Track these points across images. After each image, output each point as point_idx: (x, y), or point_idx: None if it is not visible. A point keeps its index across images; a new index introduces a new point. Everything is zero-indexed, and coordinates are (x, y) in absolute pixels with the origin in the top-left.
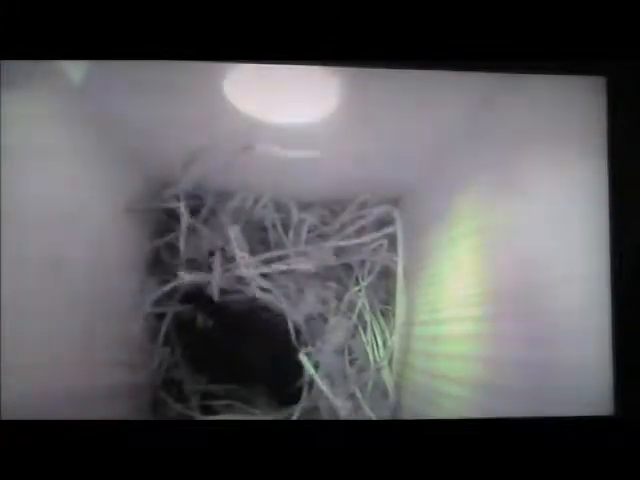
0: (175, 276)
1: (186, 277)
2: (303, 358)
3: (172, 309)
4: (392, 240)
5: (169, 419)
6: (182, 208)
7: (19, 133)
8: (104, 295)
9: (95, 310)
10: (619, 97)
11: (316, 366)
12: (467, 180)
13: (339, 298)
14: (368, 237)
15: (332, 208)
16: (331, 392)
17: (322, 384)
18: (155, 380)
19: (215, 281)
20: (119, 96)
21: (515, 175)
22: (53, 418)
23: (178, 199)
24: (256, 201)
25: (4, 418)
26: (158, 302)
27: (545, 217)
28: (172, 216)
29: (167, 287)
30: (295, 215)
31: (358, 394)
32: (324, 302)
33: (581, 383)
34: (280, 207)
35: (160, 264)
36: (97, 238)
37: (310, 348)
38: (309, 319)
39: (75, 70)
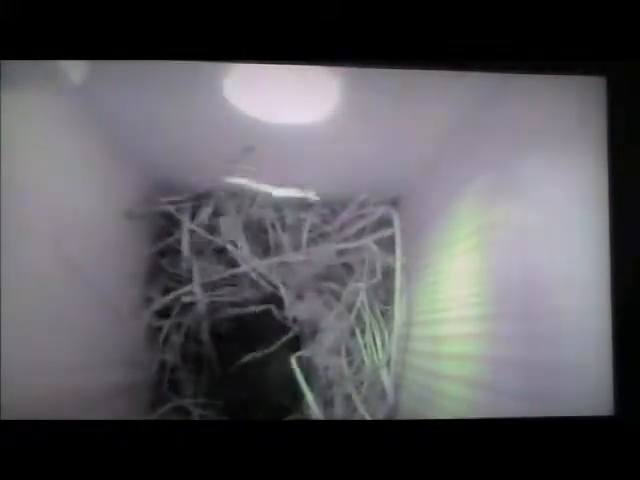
0: (176, 282)
1: (186, 298)
2: (293, 363)
3: (171, 319)
4: (391, 240)
5: (169, 419)
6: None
7: (19, 133)
8: (104, 296)
9: (95, 311)
10: (619, 97)
11: (312, 367)
12: (467, 180)
13: (338, 298)
14: (368, 237)
15: (333, 207)
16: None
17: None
18: (155, 380)
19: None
20: (119, 96)
21: (515, 175)
22: (53, 418)
23: (179, 201)
24: (256, 201)
25: (4, 418)
26: (159, 311)
27: (545, 217)
28: (172, 219)
29: (168, 298)
30: (295, 214)
31: (356, 394)
32: (323, 302)
33: (581, 383)
34: (279, 208)
35: (161, 268)
36: (97, 238)
37: (308, 350)
38: (308, 319)
39: (75, 70)
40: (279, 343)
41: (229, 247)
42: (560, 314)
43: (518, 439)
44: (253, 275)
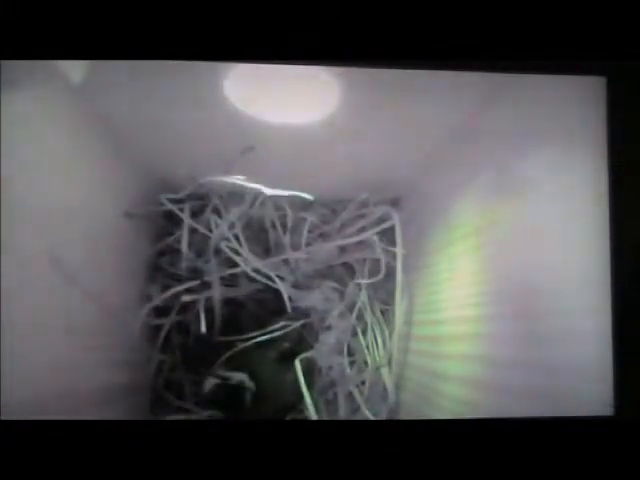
0: (176, 281)
1: (186, 298)
2: (297, 365)
3: (171, 318)
4: (391, 240)
5: (169, 419)
6: (184, 210)
7: (19, 133)
8: (104, 296)
9: (94, 311)
10: (619, 97)
11: (315, 367)
12: (467, 180)
13: (339, 298)
14: (367, 237)
15: (333, 207)
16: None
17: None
18: (155, 380)
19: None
20: (119, 96)
21: (515, 175)
22: (53, 418)
23: (179, 201)
24: (255, 201)
25: (4, 418)
26: (158, 309)
27: (545, 217)
28: (172, 219)
29: (167, 294)
30: (295, 214)
31: (358, 394)
32: (324, 302)
33: (581, 383)
34: (280, 207)
35: (161, 268)
36: (97, 238)
37: (309, 351)
38: (309, 319)
39: (75, 70)
40: (279, 343)
41: (228, 247)
42: (560, 314)
43: (518, 439)
44: (253, 274)
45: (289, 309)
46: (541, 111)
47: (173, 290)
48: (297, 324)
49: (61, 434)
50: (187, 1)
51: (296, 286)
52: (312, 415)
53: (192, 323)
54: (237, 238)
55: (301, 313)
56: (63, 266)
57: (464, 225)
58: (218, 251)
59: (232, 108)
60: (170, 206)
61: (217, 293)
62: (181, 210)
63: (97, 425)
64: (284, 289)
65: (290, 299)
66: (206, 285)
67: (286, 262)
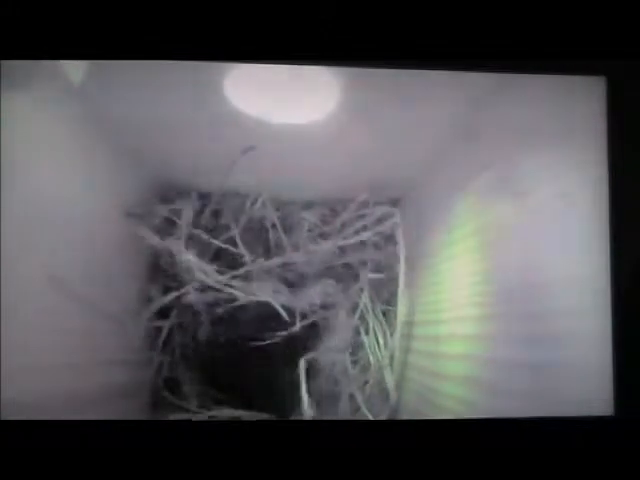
0: (176, 282)
1: (190, 297)
2: (301, 365)
3: (171, 320)
4: (392, 240)
5: (169, 419)
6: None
7: (19, 133)
8: (104, 296)
9: (95, 311)
10: (619, 97)
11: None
12: (467, 180)
13: (340, 299)
14: (368, 237)
15: (333, 207)
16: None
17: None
18: (155, 380)
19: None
20: (119, 96)
21: (515, 175)
22: (53, 418)
23: (178, 202)
24: (256, 201)
25: (4, 418)
26: (158, 310)
27: (545, 217)
28: (172, 219)
29: (167, 298)
30: (295, 214)
31: (358, 394)
32: (326, 303)
33: (581, 383)
34: (280, 207)
35: (161, 268)
36: (97, 238)
37: (312, 351)
38: (311, 320)
39: (75, 70)
40: (281, 343)
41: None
42: (560, 314)
43: (518, 439)
44: (253, 275)
45: (291, 309)
46: (541, 111)
47: (173, 294)
48: (299, 325)
49: (61, 434)
50: (187, 1)
51: (297, 287)
52: (308, 416)
53: (192, 324)
54: (236, 240)
55: (303, 314)
56: (63, 266)
57: (464, 225)
58: (219, 253)
59: (232, 108)
60: (169, 207)
61: (217, 295)
62: (180, 211)
63: (97, 425)
64: (285, 290)
65: (291, 300)
66: (206, 288)
67: (286, 263)
